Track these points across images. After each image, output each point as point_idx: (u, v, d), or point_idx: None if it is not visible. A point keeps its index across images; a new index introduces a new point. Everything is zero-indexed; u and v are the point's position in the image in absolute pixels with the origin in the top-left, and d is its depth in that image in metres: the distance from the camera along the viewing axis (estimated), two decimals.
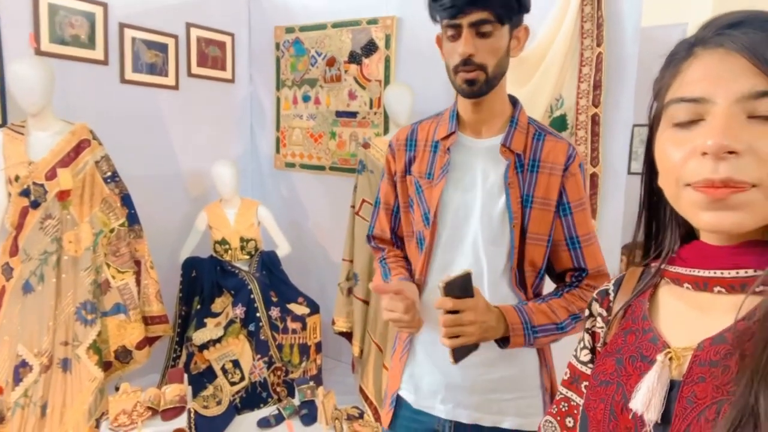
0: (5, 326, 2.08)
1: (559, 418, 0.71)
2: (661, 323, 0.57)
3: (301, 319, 2.66)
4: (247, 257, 2.78)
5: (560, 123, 2.24)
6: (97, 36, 2.59)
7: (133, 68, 2.75)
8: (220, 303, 2.63)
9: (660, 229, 0.60)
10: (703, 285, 0.53)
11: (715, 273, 0.52)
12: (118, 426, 1.97)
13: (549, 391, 1.10)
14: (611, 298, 0.66)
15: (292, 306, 2.69)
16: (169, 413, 2.03)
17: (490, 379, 1.06)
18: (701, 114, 0.48)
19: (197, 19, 3.04)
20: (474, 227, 1.05)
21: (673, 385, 0.51)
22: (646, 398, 0.51)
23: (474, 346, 0.95)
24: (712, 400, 0.47)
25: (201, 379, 2.42)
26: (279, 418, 2.15)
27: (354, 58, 2.96)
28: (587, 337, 0.68)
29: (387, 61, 2.84)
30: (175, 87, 2.97)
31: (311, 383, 2.28)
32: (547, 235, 1.05)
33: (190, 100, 3.06)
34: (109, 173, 2.29)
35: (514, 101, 1.11)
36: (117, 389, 2.14)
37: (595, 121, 2.19)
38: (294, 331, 2.63)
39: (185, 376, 2.27)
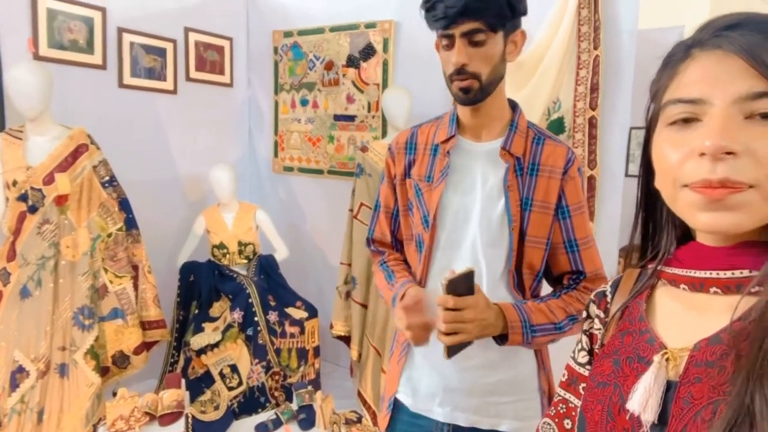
0: (2, 332, 2.07)
1: (557, 420, 0.70)
2: (658, 324, 0.57)
3: (299, 323, 2.65)
4: (245, 261, 2.78)
5: (558, 126, 2.24)
6: (95, 41, 2.59)
7: (131, 73, 2.76)
8: (218, 307, 2.63)
9: (656, 230, 0.61)
10: (699, 286, 0.53)
11: (711, 274, 0.52)
12: (115, 431, 1.96)
13: (547, 394, 1.10)
14: (609, 299, 0.66)
15: (290, 310, 2.69)
16: (167, 418, 2.02)
17: (488, 382, 1.06)
18: (699, 115, 0.48)
19: (195, 24, 3.05)
20: (473, 230, 1.06)
21: (669, 385, 0.51)
22: (643, 399, 0.51)
23: (468, 342, 0.95)
24: (709, 400, 0.47)
25: (199, 384, 2.41)
26: (277, 423, 2.15)
27: (352, 62, 2.97)
28: (585, 338, 0.68)
29: (385, 64, 2.85)
30: (174, 91, 2.97)
31: (309, 387, 2.28)
32: (546, 238, 1.06)
33: (189, 104, 3.06)
34: (106, 178, 2.29)
35: (513, 105, 1.11)
36: (114, 394, 2.14)
37: (592, 123, 2.20)
38: (292, 336, 2.62)
39: (183, 381, 2.27)
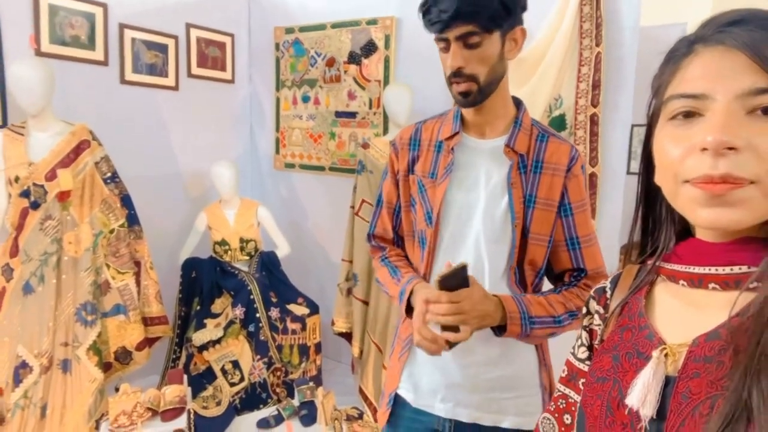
0: (5, 327, 2.08)
1: (557, 415, 0.71)
2: (657, 320, 0.57)
3: (300, 319, 2.66)
4: (247, 258, 2.78)
5: (559, 123, 2.24)
6: (97, 37, 2.59)
7: (133, 69, 2.76)
8: (220, 304, 2.63)
9: (656, 226, 0.61)
10: (698, 282, 0.53)
11: (709, 270, 0.52)
12: (118, 427, 1.97)
13: (548, 390, 1.11)
14: (608, 295, 0.66)
15: (291, 306, 2.69)
16: (169, 414, 2.03)
17: (489, 378, 1.07)
18: (701, 110, 0.49)
19: (197, 20, 3.05)
20: (476, 226, 1.06)
21: (668, 380, 0.51)
22: (641, 394, 0.51)
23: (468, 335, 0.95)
24: (707, 395, 0.47)
25: (200, 380, 2.42)
26: (278, 419, 2.15)
27: (353, 59, 2.96)
28: (585, 334, 0.69)
29: (386, 61, 2.84)
30: (175, 87, 2.97)
31: (311, 384, 2.28)
32: (549, 236, 1.06)
33: (190, 100, 3.07)
34: (108, 174, 2.29)
35: (518, 103, 1.11)
36: (117, 390, 2.14)
37: (593, 120, 2.20)
38: (294, 332, 2.63)
39: (185, 376, 2.27)
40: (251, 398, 2.49)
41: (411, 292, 1.07)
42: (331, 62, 3.06)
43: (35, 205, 2.12)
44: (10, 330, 2.07)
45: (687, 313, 0.54)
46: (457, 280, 0.93)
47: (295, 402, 2.24)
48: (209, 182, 2.88)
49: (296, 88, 3.24)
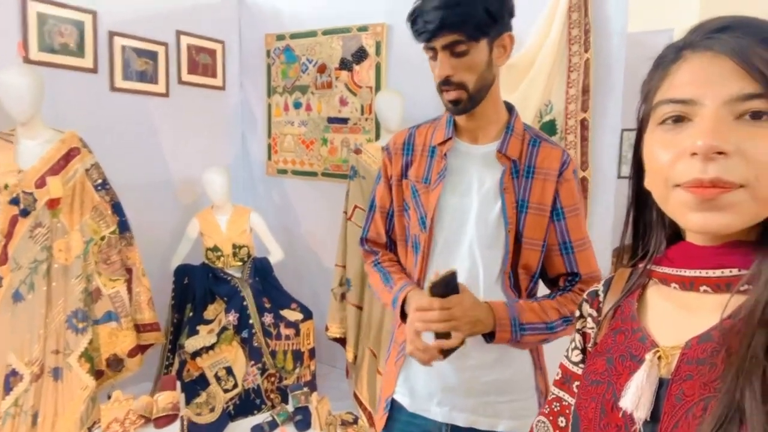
0: None
1: (551, 418, 0.71)
2: (650, 323, 0.58)
3: (294, 325, 2.65)
4: (240, 264, 2.77)
5: (550, 128, 2.26)
6: (86, 44, 2.58)
7: (123, 76, 2.75)
8: (213, 310, 2.62)
9: (647, 229, 0.61)
10: (689, 284, 0.54)
11: (701, 273, 0.53)
12: None
13: (543, 393, 1.11)
14: (601, 298, 0.66)
15: (285, 312, 2.68)
16: (162, 421, 2.01)
17: (485, 381, 1.07)
18: (690, 115, 0.49)
19: (187, 27, 3.04)
20: (470, 232, 1.07)
21: (662, 383, 0.51)
22: (635, 397, 0.52)
23: (461, 342, 0.96)
24: (700, 397, 0.48)
25: (194, 387, 2.40)
26: (273, 425, 2.14)
27: (345, 65, 2.97)
28: (578, 337, 0.69)
29: (377, 67, 2.86)
30: (166, 94, 2.96)
31: (305, 389, 2.28)
32: (542, 240, 1.07)
33: (181, 107, 3.06)
34: (99, 181, 2.28)
35: (510, 108, 1.12)
36: (109, 397, 2.12)
37: (584, 125, 2.22)
38: (287, 338, 2.62)
39: (178, 383, 2.26)
40: (245, 404, 2.48)
41: (405, 299, 1.08)
42: (322, 69, 3.07)
43: (25, 213, 2.10)
44: (0, 338, 2.05)
45: (679, 316, 0.55)
46: (447, 287, 0.93)
47: (290, 407, 2.23)
48: (201, 189, 2.87)
49: (288, 95, 3.25)
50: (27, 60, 2.37)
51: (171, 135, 3.01)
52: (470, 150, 1.10)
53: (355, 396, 2.61)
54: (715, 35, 0.49)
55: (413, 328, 0.97)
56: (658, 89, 0.53)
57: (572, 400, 0.68)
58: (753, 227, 0.50)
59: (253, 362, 2.51)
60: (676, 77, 0.51)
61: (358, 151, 2.62)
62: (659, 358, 0.52)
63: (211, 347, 2.45)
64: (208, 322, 2.57)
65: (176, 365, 2.51)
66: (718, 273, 0.52)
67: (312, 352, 2.73)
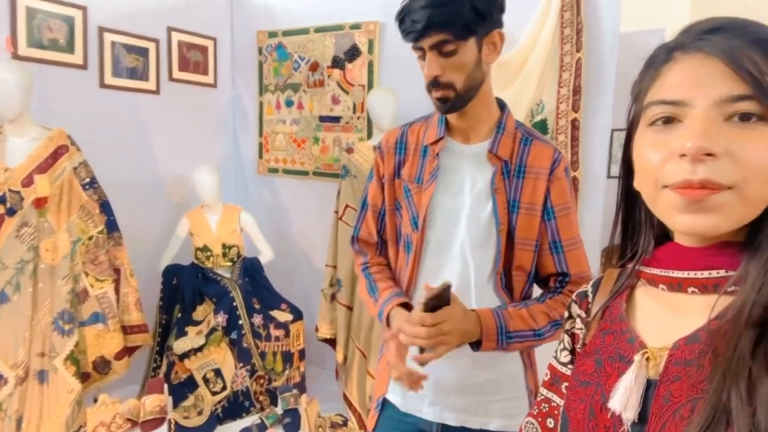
0: None
1: (540, 419, 0.71)
2: (638, 324, 0.57)
3: (284, 326, 2.63)
4: (230, 264, 2.75)
5: (541, 127, 2.27)
6: (76, 40, 2.55)
7: (113, 73, 2.72)
8: (202, 311, 2.60)
9: (635, 230, 0.61)
10: (677, 286, 0.54)
11: (688, 274, 0.53)
12: None
13: (534, 393, 1.11)
14: (590, 299, 0.66)
15: (275, 313, 2.67)
16: (149, 425, 1.99)
17: (476, 381, 1.07)
18: (680, 117, 0.49)
19: (178, 24, 3.02)
20: (461, 232, 1.06)
21: (650, 384, 0.51)
22: (623, 398, 0.52)
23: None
24: (687, 398, 0.48)
25: (182, 389, 2.37)
26: (262, 428, 2.12)
27: (337, 63, 2.96)
28: (567, 338, 0.69)
29: (370, 65, 2.85)
30: (156, 92, 2.94)
31: (294, 391, 2.26)
32: (535, 240, 1.06)
33: (172, 105, 3.03)
34: (87, 179, 2.25)
35: (502, 105, 1.11)
36: (95, 401, 2.10)
37: (574, 125, 2.22)
38: (277, 339, 2.60)
39: (165, 386, 2.23)
40: (234, 407, 2.45)
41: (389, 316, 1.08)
42: (314, 66, 3.05)
43: (11, 212, 2.07)
44: None
45: (667, 317, 0.55)
46: (441, 300, 0.93)
47: (279, 410, 2.21)
48: (191, 188, 2.85)
49: (279, 93, 3.23)
50: (15, 56, 2.34)
51: (161, 133, 2.99)
52: (462, 149, 1.09)
53: (345, 397, 2.60)
54: (706, 36, 0.49)
55: (395, 353, 0.98)
56: (648, 90, 0.53)
57: (561, 401, 0.68)
58: (740, 228, 0.49)
59: (242, 364, 2.49)
60: (667, 78, 0.51)
61: (350, 150, 2.61)
62: (647, 359, 0.52)
63: (200, 349, 2.43)
64: (197, 323, 2.54)
65: (164, 367, 2.48)
66: (705, 274, 0.52)
67: (302, 354, 2.71)
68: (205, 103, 3.26)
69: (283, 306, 2.73)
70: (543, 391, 0.72)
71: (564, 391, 0.68)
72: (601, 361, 0.58)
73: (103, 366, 2.27)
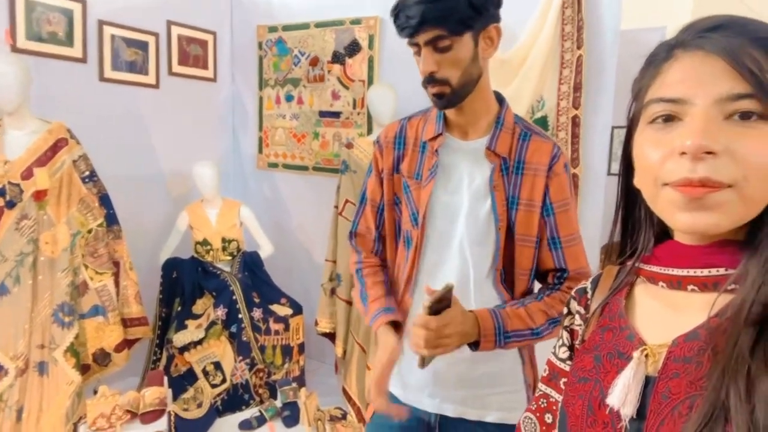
0: None
1: (538, 414, 0.71)
2: (637, 321, 0.58)
3: (283, 320, 2.64)
4: (229, 258, 2.75)
5: (541, 124, 2.26)
6: (75, 33, 2.54)
7: (112, 66, 2.71)
8: (202, 304, 2.60)
9: (635, 227, 0.61)
10: (677, 283, 0.54)
11: (688, 272, 0.53)
12: (96, 430, 1.93)
13: (532, 387, 1.12)
14: (589, 296, 0.66)
15: (274, 307, 2.67)
16: (149, 416, 2.00)
17: (475, 374, 1.08)
18: (680, 115, 0.49)
19: (178, 17, 3.01)
20: (460, 229, 1.07)
21: (648, 380, 0.51)
22: (622, 394, 0.52)
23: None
24: (686, 395, 0.48)
25: (181, 382, 2.38)
26: (261, 420, 2.13)
27: (337, 58, 2.95)
28: (566, 334, 0.69)
29: (370, 61, 2.84)
30: (156, 86, 2.93)
31: (294, 384, 2.27)
32: (535, 237, 1.06)
33: (171, 99, 3.02)
34: (87, 173, 2.25)
35: (500, 99, 1.10)
36: (95, 392, 2.11)
37: (575, 122, 2.22)
38: (276, 333, 2.61)
39: (165, 378, 2.24)
40: (233, 400, 2.46)
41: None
42: (314, 62, 3.05)
43: (11, 205, 2.07)
44: None
45: (666, 314, 0.55)
46: (443, 302, 0.93)
47: (278, 403, 2.22)
48: (191, 182, 2.85)
49: (279, 88, 3.22)
50: (14, 48, 2.33)
51: (161, 127, 2.98)
52: (461, 146, 1.09)
53: (344, 391, 2.61)
54: (707, 34, 0.49)
55: (377, 386, 1.01)
56: (649, 88, 0.53)
57: (559, 397, 0.68)
58: (741, 227, 0.50)
59: (241, 357, 2.50)
60: (667, 76, 0.51)
61: (349, 146, 2.61)
62: (646, 356, 0.52)
63: (200, 342, 2.43)
64: (197, 316, 2.55)
65: (164, 360, 2.49)
66: (705, 272, 0.52)
67: (301, 347, 2.72)
68: (205, 98, 3.25)
69: (283, 300, 2.73)
70: (541, 386, 0.72)
71: (562, 386, 0.68)
72: (599, 358, 0.58)
73: (103, 358, 2.28)
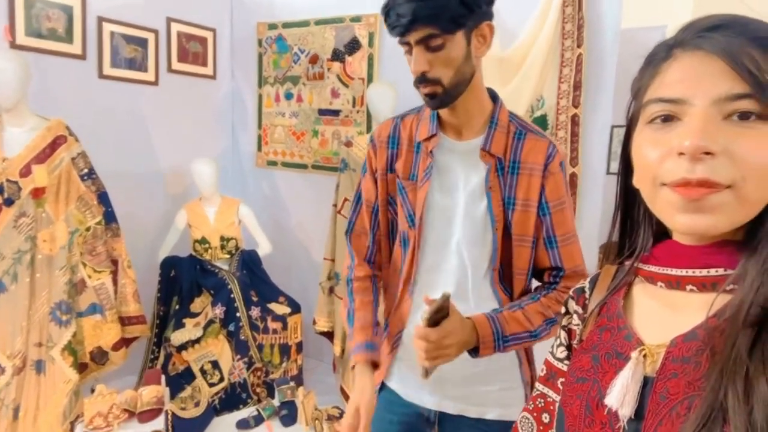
0: None
1: (535, 414, 0.71)
2: (636, 321, 0.57)
3: (281, 318, 2.64)
4: (228, 256, 2.75)
5: (541, 123, 2.26)
6: (74, 30, 2.54)
7: (111, 63, 2.70)
8: (200, 303, 2.60)
9: (634, 227, 0.61)
10: (675, 283, 0.54)
11: (687, 272, 0.52)
12: (93, 429, 1.93)
13: (530, 385, 1.13)
14: (587, 295, 0.66)
15: (272, 306, 2.67)
16: (146, 415, 1.99)
17: (474, 372, 1.08)
18: (679, 115, 0.49)
19: (178, 14, 3.00)
20: (457, 230, 1.06)
21: (647, 381, 0.51)
22: (620, 394, 0.52)
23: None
24: (684, 395, 0.48)
25: (179, 381, 2.38)
26: (258, 419, 2.13)
27: (337, 56, 2.95)
28: (563, 334, 0.69)
29: (370, 59, 2.83)
30: (155, 83, 2.93)
31: (291, 383, 2.27)
32: (532, 236, 1.06)
33: (171, 96, 3.02)
34: (85, 170, 2.24)
35: (494, 97, 1.09)
36: (92, 391, 2.10)
37: (574, 121, 2.22)
38: (275, 331, 2.61)
39: (163, 377, 2.24)
40: (231, 398, 2.46)
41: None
42: (314, 59, 3.04)
43: (9, 202, 2.06)
44: None
45: (665, 314, 0.54)
46: (441, 312, 0.93)
47: (276, 402, 2.22)
48: (189, 179, 2.84)
49: (279, 85, 3.22)
50: (13, 45, 2.32)
51: (160, 124, 2.98)
52: (455, 146, 1.07)
53: (342, 390, 2.61)
54: (707, 34, 0.49)
55: (356, 410, 1.04)
56: (648, 87, 0.53)
57: (556, 397, 0.68)
58: (739, 227, 0.49)
59: (239, 356, 2.50)
60: (667, 76, 0.51)
61: (348, 144, 2.60)
62: (645, 356, 0.52)
63: (197, 341, 2.43)
64: (195, 315, 2.54)
65: (161, 359, 2.49)
66: (704, 272, 0.51)
67: (299, 346, 2.72)
68: (204, 95, 3.25)
69: (281, 299, 2.73)
70: (539, 386, 0.72)
71: (560, 386, 0.68)
72: (597, 358, 0.58)
73: (100, 356, 2.27)
